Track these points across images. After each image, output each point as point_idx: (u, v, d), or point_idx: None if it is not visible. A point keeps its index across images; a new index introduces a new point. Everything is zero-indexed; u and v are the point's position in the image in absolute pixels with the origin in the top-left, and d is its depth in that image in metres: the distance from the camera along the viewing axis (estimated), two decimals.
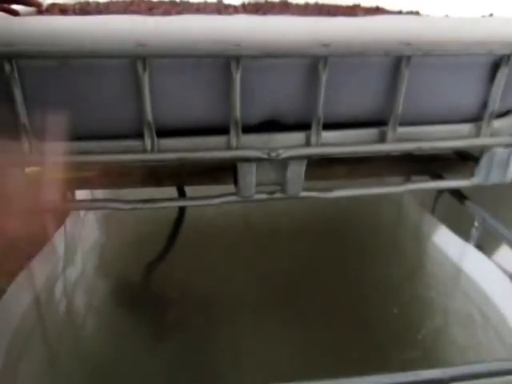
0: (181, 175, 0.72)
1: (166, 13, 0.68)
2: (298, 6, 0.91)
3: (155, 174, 0.71)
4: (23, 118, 0.52)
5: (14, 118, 0.52)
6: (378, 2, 0.95)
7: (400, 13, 0.85)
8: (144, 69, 0.50)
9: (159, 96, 0.53)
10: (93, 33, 0.49)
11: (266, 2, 0.87)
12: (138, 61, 0.50)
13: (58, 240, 0.82)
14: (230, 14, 0.70)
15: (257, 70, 0.54)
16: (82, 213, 0.98)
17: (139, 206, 0.64)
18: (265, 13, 0.72)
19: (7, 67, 0.49)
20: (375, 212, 1.04)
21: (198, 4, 0.82)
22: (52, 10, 0.73)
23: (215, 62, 0.52)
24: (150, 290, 1.01)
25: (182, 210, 0.95)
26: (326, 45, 0.52)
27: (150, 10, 0.71)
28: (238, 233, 1.11)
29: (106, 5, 0.84)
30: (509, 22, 0.58)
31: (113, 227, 1.08)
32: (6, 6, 0.68)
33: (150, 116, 0.53)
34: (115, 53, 0.49)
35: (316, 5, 0.95)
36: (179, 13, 0.67)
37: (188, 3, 0.89)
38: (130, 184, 0.71)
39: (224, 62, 0.52)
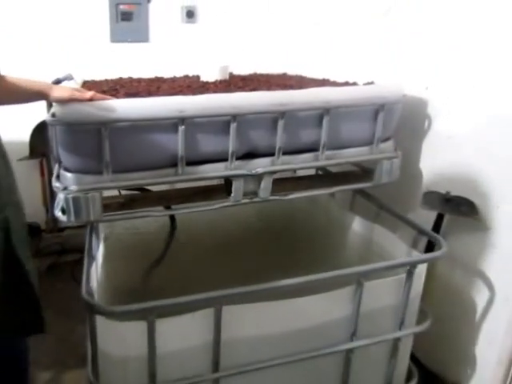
0: (184, 196, 1.06)
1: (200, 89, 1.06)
2: (252, 78, 1.33)
3: (166, 196, 1.06)
4: (107, 158, 0.87)
5: (99, 160, 0.87)
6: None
7: (323, 80, 1.28)
8: (182, 125, 0.87)
9: (189, 141, 0.90)
10: (154, 107, 0.86)
11: (232, 78, 1.27)
12: (179, 121, 0.87)
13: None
14: (211, 88, 1.09)
15: (243, 123, 0.92)
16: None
17: (167, 212, 1.00)
18: (235, 85, 1.12)
19: (103, 129, 0.84)
20: (311, 215, 1.44)
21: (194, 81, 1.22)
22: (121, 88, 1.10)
23: (222, 119, 0.90)
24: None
25: (172, 221, 1.30)
26: (282, 105, 0.92)
27: (189, 87, 1.09)
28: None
29: (164, 80, 1.24)
30: (381, 87, 1.01)
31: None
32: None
33: (183, 152, 0.90)
34: (166, 117, 0.87)
35: (258, 75, 1.37)
36: (202, 86, 1.07)
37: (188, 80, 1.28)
38: (149, 204, 1.05)
39: (226, 119, 0.90)
